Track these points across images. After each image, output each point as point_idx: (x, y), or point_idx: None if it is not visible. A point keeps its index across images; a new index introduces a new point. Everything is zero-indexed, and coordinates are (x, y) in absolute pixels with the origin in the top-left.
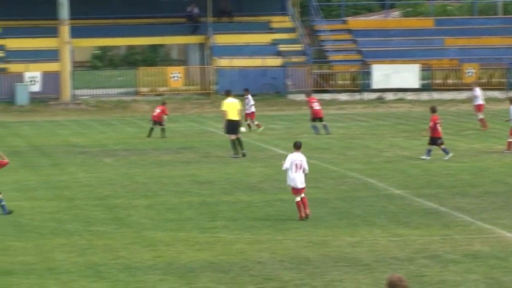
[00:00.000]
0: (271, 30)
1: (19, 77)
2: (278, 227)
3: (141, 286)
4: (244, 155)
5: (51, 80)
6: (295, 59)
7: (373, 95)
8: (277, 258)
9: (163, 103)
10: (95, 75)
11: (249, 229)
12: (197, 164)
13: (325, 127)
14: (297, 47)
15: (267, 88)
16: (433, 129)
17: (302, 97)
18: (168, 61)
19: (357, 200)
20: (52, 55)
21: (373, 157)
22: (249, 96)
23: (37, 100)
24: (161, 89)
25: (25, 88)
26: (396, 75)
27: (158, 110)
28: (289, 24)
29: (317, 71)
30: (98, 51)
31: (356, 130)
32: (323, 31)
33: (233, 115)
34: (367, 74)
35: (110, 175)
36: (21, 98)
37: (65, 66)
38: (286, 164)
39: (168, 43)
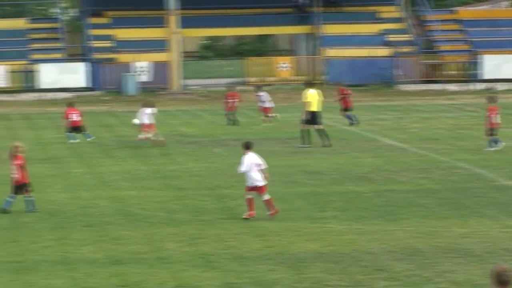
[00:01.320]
0: (379, 20)
1: (127, 67)
2: (388, 217)
3: (251, 276)
4: (330, 145)
5: (160, 70)
6: (404, 49)
7: (483, 85)
8: (387, 248)
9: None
10: (203, 65)
11: (359, 220)
12: (306, 154)
13: (349, 117)
14: (406, 37)
15: (375, 78)
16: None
17: (411, 87)
18: (276, 51)
19: (467, 191)
20: (160, 45)
21: (483, 148)
22: (263, 93)
23: (146, 90)
24: (270, 79)
25: (133, 78)
26: (506, 65)
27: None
28: (397, 14)
29: (425, 61)
30: (206, 41)
31: (465, 120)
32: (432, 21)
33: (315, 106)
34: (476, 64)
35: (220, 165)
36: (130, 88)
37: (174, 56)
38: (245, 167)
39: (276, 33)
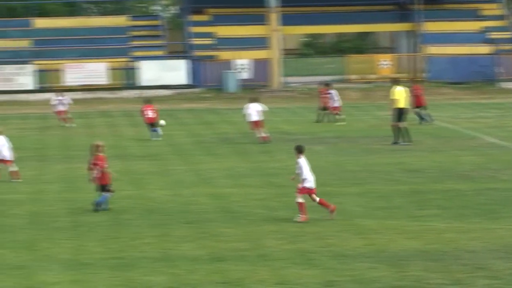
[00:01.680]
0: (480, 18)
1: (228, 64)
2: (489, 216)
3: (351, 273)
4: (410, 142)
5: (260, 67)
6: (505, 47)
7: None
8: (488, 247)
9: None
10: (304, 62)
11: (459, 218)
12: (405, 152)
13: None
14: (507, 35)
15: (476, 76)
16: None
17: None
18: (377, 49)
19: None
20: (261, 43)
21: None
22: (333, 91)
23: (246, 87)
24: (370, 76)
25: (234, 76)
26: None
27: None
28: (499, 12)
29: None
30: (307, 39)
31: None
32: None
33: (403, 103)
34: None
35: (320, 162)
36: (230, 85)
37: (274, 54)
38: (305, 171)
39: (376, 31)
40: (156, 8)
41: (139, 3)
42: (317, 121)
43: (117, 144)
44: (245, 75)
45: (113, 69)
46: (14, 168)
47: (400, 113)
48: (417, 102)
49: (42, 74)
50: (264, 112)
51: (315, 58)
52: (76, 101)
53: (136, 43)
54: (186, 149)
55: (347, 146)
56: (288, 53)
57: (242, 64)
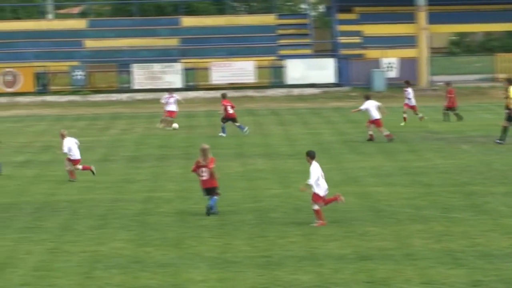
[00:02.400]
0: None
1: (375, 63)
2: None
3: (498, 273)
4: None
5: (408, 66)
6: None
7: None
8: None
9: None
10: (451, 61)
11: None
12: None
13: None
14: None
15: None
16: None
17: None
18: None
19: None
20: (409, 41)
21: None
22: (409, 89)
23: (393, 86)
24: None
25: (382, 74)
26: None
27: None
28: None
29: None
30: (455, 37)
31: None
32: None
33: None
34: None
35: (468, 161)
36: (378, 84)
37: (422, 52)
38: (314, 177)
39: None
40: (304, 6)
41: (287, 1)
42: (444, 120)
43: (264, 143)
44: (392, 73)
45: (260, 67)
46: (77, 168)
47: None
48: (450, 104)
49: (189, 72)
50: (381, 109)
51: (463, 56)
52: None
53: (283, 41)
54: (333, 147)
55: (494, 145)
56: (436, 51)
57: (390, 62)
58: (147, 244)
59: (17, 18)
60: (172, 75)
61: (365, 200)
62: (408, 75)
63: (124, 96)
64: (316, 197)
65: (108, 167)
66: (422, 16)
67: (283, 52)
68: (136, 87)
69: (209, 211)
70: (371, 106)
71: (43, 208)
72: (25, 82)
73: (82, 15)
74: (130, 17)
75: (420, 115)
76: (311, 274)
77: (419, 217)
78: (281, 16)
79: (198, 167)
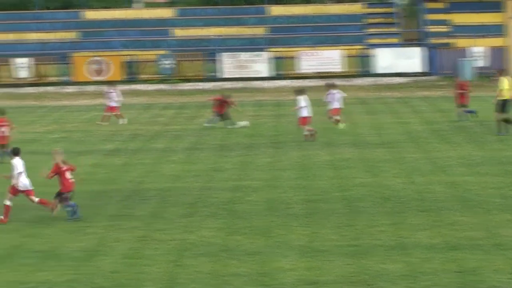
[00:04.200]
0: None
1: (464, 52)
2: None
3: None
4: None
5: (497, 55)
6: None
7: None
8: None
9: None
10: None
11: None
12: None
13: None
14: None
15: None
16: None
17: None
18: None
19: None
20: (497, 30)
21: None
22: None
23: (481, 75)
24: None
25: (470, 63)
26: None
27: None
28: None
29: None
30: None
31: None
32: None
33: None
34: None
35: None
36: (466, 73)
37: (510, 42)
38: (19, 169)
39: None
40: None
41: None
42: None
43: (352, 132)
44: (481, 63)
45: (348, 56)
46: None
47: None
48: (461, 100)
49: (277, 61)
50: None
51: None
52: (309, 88)
53: (371, 30)
54: (421, 136)
55: None
56: None
57: (478, 51)
58: (236, 233)
59: (106, 7)
60: (259, 64)
61: (454, 189)
62: (496, 65)
63: (211, 85)
64: (12, 190)
65: (196, 156)
66: (511, 5)
67: (371, 41)
68: (224, 76)
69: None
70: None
71: (132, 196)
72: (113, 71)
73: (170, 4)
74: (218, 6)
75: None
76: (399, 263)
77: (509, 207)
78: (368, 5)
79: (63, 171)
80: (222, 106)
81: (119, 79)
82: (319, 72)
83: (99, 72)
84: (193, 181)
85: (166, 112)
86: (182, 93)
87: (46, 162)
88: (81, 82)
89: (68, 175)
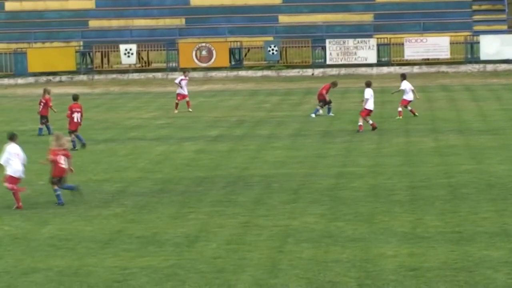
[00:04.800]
0: None
1: None
2: None
3: None
4: None
5: None
6: None
7: None
8: None
9: None
10: None
11: None
12: None
13: None
14: None
15: None
16: None
17: None
18: None
19: None
20: None
21: None
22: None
23: None
24: None
25: None
26: None
27: None
28: None
29: None
30: None
31: None
32: None
33: None
34: None
35: None
36: None
37: None
38: (4, 157)
39: None
40: None
41: None
42: None
43: (457, 118)
44: None
45: (455, 43)
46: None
47: None
48: None
49: (383, 48)
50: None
51: None
52: (415, 75)
53: (478, 17)
54: None
55: None
56: None
57: None
58: (339, 219)
59: None
60: (366, 50)
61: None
62: None
63: (317, 72)
64: (6, 178)
65: (301, 142)
66: None
67: (478, 27)
68: (330, 62)
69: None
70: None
71: (236, 182)
72: (219, 57)
73: None
74: None
75: None
76: (503, 250)
77: None
78: None
79: (56, 154)
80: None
81: (225, 65)
82: (426, 59)
83: (206, 58)
84: (297, 167)
85: (271, 98)
86: (288, 79)
87: (150, 147)
88: (187, 68)
89: (61, 160)
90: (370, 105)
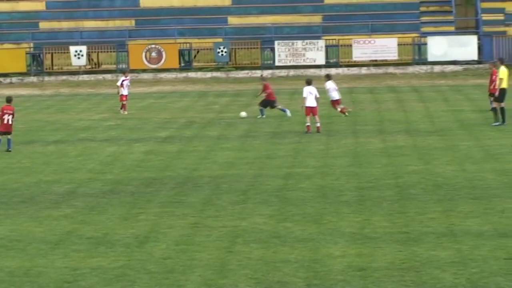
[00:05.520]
0: None
1: None
2: None
3: None
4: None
5: None
6: None
7: None
8: None
9: None
10: None
11: None
12: None
13: None
14: None
15: None
16: None
17: None
18: None
19: None
20: None
21: None
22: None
23: None
24: None
25: None
26: None
27: None
28: None
29: None
30: None
31: None
32: None
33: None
34: None
35: None
36: None
37: None
38: None
39: None
40: None
41: None
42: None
43: (405, 119)
44: None
45: (403, 44)
46: None
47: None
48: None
49: (332, 49)
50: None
51: None
52: (363, 76)
53: (426, 18)
54: (474, 124)
55: None
56: None
57: None
58: (287, 219)
59: None
60: (314, 52)
61: (506, 177)
62: None
63: (266, 73)
64: None
65: (249, 143)
66: None
67: (426, 29)
68: (279, 63)
69: None
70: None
71: (185, 183)
72: (169, 58)
73: None
74: None
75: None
76: (449, 250)
77: None
78: None
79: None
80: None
81: (175, 66)
82: (374, 60)
83: (155, 60)
84: (246, 168)
85: (220, 100)
86: (237, 80)
87: (100, 148)
88: (137, 70)
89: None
90: (310, 102)
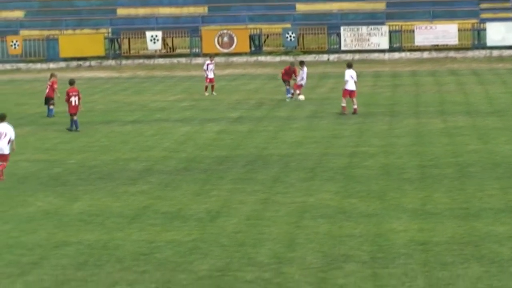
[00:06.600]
0: None
1: None
2: None
3: None
4: None
5: None
6: None
7: None
8: None
9: None
10: None
11: None
12: None
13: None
14: None
15: None
16: None
17: None
18: None
19: None
20: None
21: None
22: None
23: None
24: None
25: None
26: None
27: None
28: None
29: None
30: None
31: None
32: None
33: None
34: None
35: None
36: None
37: None
38: None
39: None
40: None
41: None
42: None
43: (465, 101)
44: None
45: (462, 30)
46: None
47: None
48: None
49: (395, 34)
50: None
51: None
52: (425, 60)
53: (484, 5)
54: None
55: None
56: None
57: None
58: (352, 196)
59: None
60: (378, 37)
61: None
62: None
63: (333, 57)
64: None
65: (316, 123)
66: None
67: (484, 15)
68: (344, 48)
69: None
70: (349, 77)
71: (256, 161)
72: (240, 43)
73: None
74: None
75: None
76: (507, 225)
77: None
78: None
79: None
80: (289, 75)
81: (245, 51)
82: (435, 45)
83: (227, 44)
84: (313, 147)
85: None
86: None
87: (174, 128)
88: (210, 54)
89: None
90: (350, 86)
